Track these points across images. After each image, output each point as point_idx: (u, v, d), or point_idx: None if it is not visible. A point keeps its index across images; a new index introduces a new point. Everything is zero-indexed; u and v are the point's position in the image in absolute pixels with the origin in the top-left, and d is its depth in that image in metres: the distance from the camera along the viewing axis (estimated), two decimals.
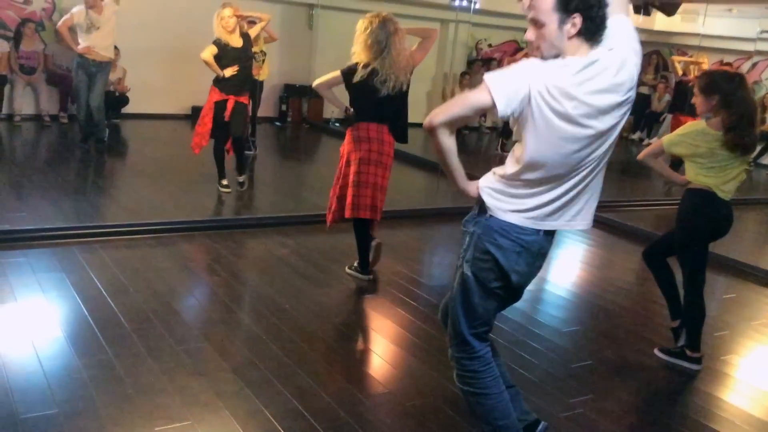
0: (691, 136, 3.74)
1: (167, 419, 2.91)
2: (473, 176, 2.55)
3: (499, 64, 13.28)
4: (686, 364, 3.91)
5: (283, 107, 11.58)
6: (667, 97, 12.68)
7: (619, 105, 2.28)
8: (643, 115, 13.17)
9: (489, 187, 2.45)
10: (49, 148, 8.53)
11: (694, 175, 3.78)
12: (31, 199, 5.84)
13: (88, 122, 7.82)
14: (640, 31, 11.41)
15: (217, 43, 6.21)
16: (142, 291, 4.19)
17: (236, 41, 6.32)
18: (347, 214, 4.59)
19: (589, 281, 5.41)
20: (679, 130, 3.87)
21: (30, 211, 5.43)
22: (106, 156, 7.86)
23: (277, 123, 11.46)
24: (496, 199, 2.42)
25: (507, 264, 2.42)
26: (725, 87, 3.66)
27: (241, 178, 6.64)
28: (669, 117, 11.55)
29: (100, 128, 7.93)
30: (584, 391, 3.55)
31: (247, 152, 7.44)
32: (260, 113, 8.92)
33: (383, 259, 4.92)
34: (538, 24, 2.25)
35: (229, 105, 6.28)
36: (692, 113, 8.67)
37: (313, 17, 11.63)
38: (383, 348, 3.92)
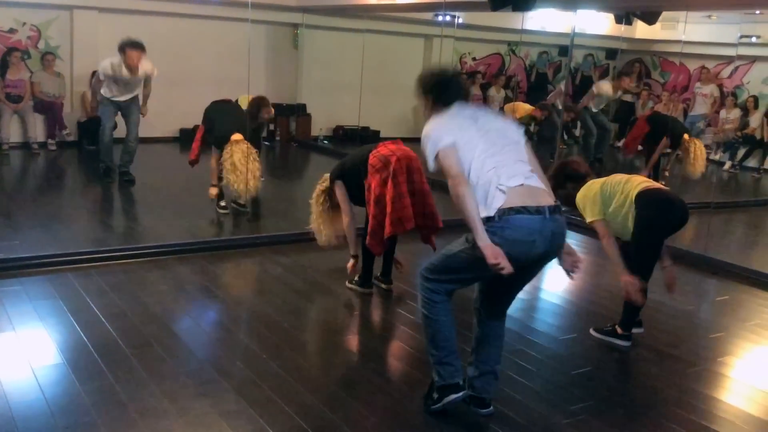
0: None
1: None
2: None
3: (483, 77, 13.41)
4: (617, 341, 4.23)
5: (271, 126, 11.62)
6: (651, 104, 12.81)
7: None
8: (627, 123, 13.29)
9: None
10: (38, 176, 8.52)
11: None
12: (23, 227, 5.83)
13: (108, 155, 7.63)
14: (622, 40, 11.48)
15: None
16: (139, 314, 4.19)
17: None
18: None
19: (583, 288, 5.44)
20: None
21: (23, 239, 5.42)
22: (96, 181, 7.85)
23: (266, 142, 11.48)
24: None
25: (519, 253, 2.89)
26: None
27: (242, 200, 6.77)
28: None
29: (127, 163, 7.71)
30: (585, 397, 3.57)
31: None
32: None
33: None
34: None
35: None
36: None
37: (297, 37, 11.72)
38: (383, 362, 3.93)
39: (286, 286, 4.92)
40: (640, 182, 4.16)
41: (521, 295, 5.05)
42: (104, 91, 7.43)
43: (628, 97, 13.28)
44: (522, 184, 2.93)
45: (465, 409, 3.27)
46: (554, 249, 3.05)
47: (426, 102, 3.26)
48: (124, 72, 7.25)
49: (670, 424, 3.35)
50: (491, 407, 3.29)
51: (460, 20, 10.38)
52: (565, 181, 4.26)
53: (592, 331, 4.35)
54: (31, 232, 5.68)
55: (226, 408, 3.18)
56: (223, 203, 6.67)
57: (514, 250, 2.85)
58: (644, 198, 4.06)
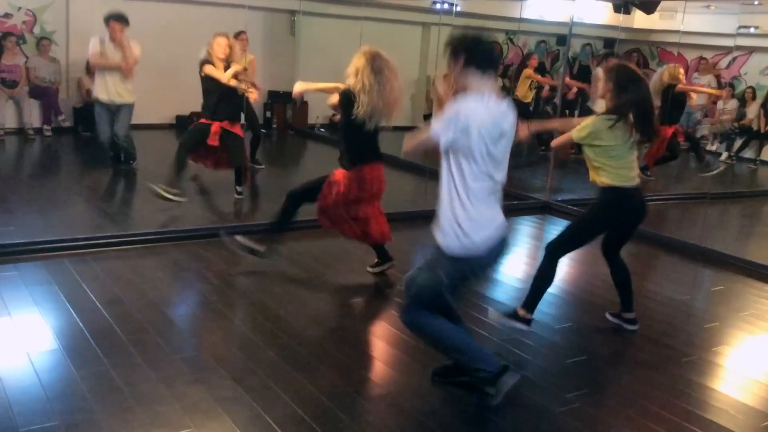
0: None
1: (168, 427, 2.91)
2: None
3: None
4: (626, 325, 4.34)
5: (268, 114, 11.60)
6: None
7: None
8: None
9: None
10: (34, 162, 8.49)
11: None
12: (19, 212, 5.82)
13: (114, 146, 7.60)
14: (621, 29, 11.39)
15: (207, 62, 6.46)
16: (135, 301, 4.19)
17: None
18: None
19: (578, 277, 5.46)
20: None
21: (19, 224, 5.41)
22: (93, 167, 7.83)
23: (262, 130, 11.45)
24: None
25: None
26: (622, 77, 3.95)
27: (239, 188, 6.73)
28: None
29: (130, 152, 7.71)
30: (580, 385, 3.59)
31: (258, 166, 8.04)
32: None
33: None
34: None
35: (213, 129, 6.34)
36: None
37: (295, 24, 11.66)
38: (379, 350, 3.94)
39: (283, 273, 4.92)
40: (627, 166, 4.03)
41: (517, 284, 5.11)
42: (96, 90, 7.32)
43: None
44: None
45: (461, 398, 3.29)
46: None
47: (456, 62, 3.03)
48: (109, 47, 7.17)
49: (664, 412, 3.37)
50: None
51: (458, 8, 10.33)
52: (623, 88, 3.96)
53: (608, 316, 4.44)
54: (26, 217, 5.66)
55: (222, 394, 3.19)
56: (174, 189, 6.34)
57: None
58: (615, 194, 4.03)
